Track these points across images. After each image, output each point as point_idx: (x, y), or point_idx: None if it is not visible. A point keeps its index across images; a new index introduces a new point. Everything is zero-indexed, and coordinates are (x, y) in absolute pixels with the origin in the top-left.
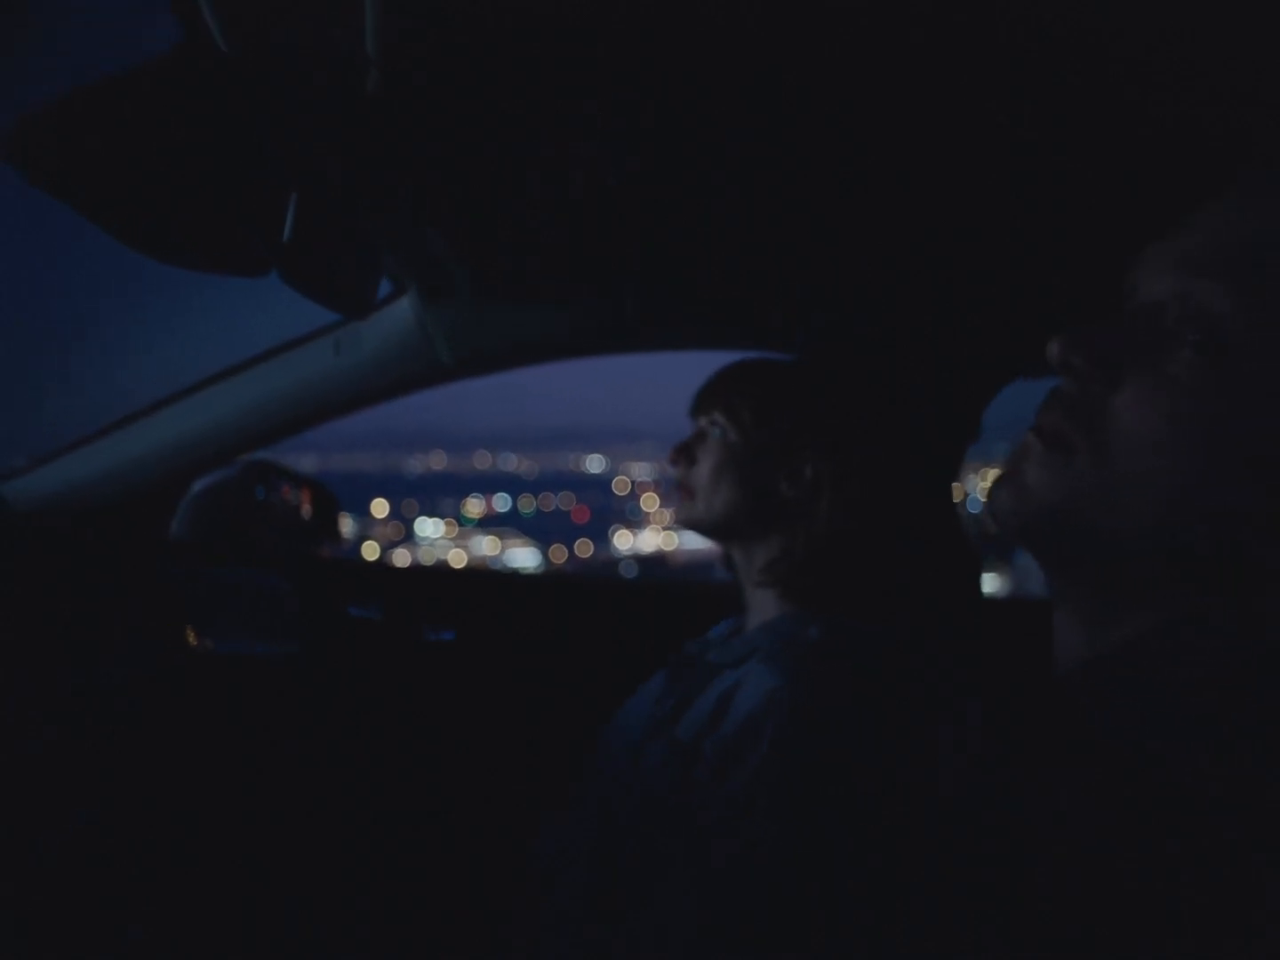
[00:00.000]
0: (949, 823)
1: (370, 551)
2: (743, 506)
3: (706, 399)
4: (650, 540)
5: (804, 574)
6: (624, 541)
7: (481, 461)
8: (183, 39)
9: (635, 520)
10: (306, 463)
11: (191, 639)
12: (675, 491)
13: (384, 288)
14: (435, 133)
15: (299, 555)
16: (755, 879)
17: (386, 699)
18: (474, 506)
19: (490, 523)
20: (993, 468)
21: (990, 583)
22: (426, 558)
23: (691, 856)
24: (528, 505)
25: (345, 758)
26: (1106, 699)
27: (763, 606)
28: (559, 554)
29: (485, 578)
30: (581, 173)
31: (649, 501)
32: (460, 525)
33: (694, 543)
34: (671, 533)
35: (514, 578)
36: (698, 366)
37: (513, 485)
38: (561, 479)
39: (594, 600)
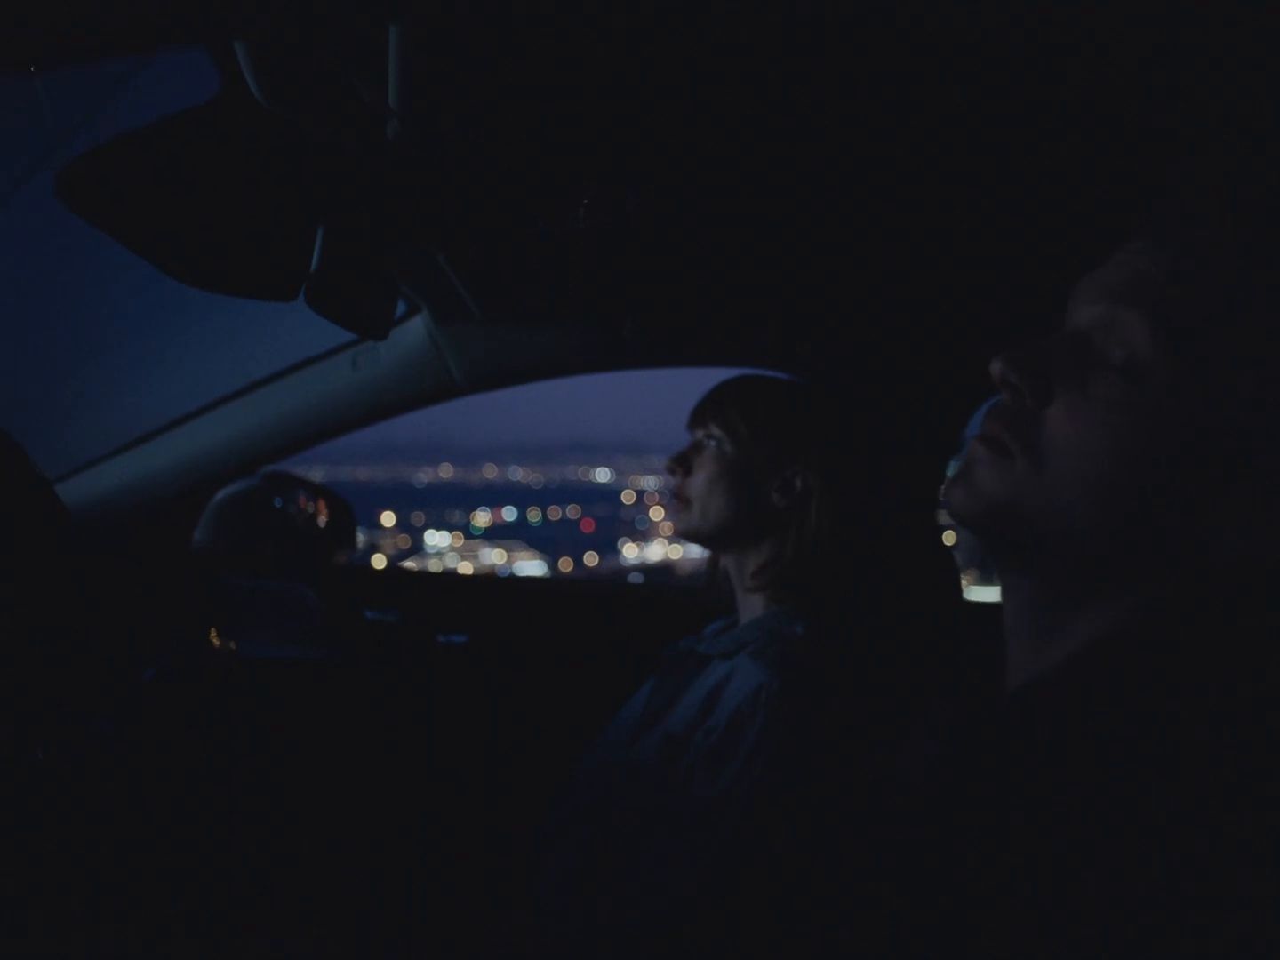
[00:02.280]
0: (917, 809)
1: (379, 562)
2: (736, 515)
3: (703, 413)
4: (657, 551)
5: (792, 577)
6: (631, 553)
7: (489, 473)
8: (223, 91)
9: (643, 531)
10: (315, 475)
11: (215, 641)
12: (672, 500)
13: (399, 308)
14: (448, 173)
15: (318, 561)
16: (741, 862)
17: (401, 697)
18: (481, 518)
19: (498, 533)
20: None
21: (989, 593)
22: (435, 568)
23: (682, 843)
24: (535, 516)
25: (361, 753)
26: (1052, 709)
27: (752, 608)
28: (566, 566)
29: (496, 584)
30: (585, 204)
31: (656, 513)
32: (468, 537)
33: (700, 552)
34: (678, 544)
35: (523, 583)
36: (703, 382)
37: (521, 496)
38: (569, 490)
39: (599, 604)
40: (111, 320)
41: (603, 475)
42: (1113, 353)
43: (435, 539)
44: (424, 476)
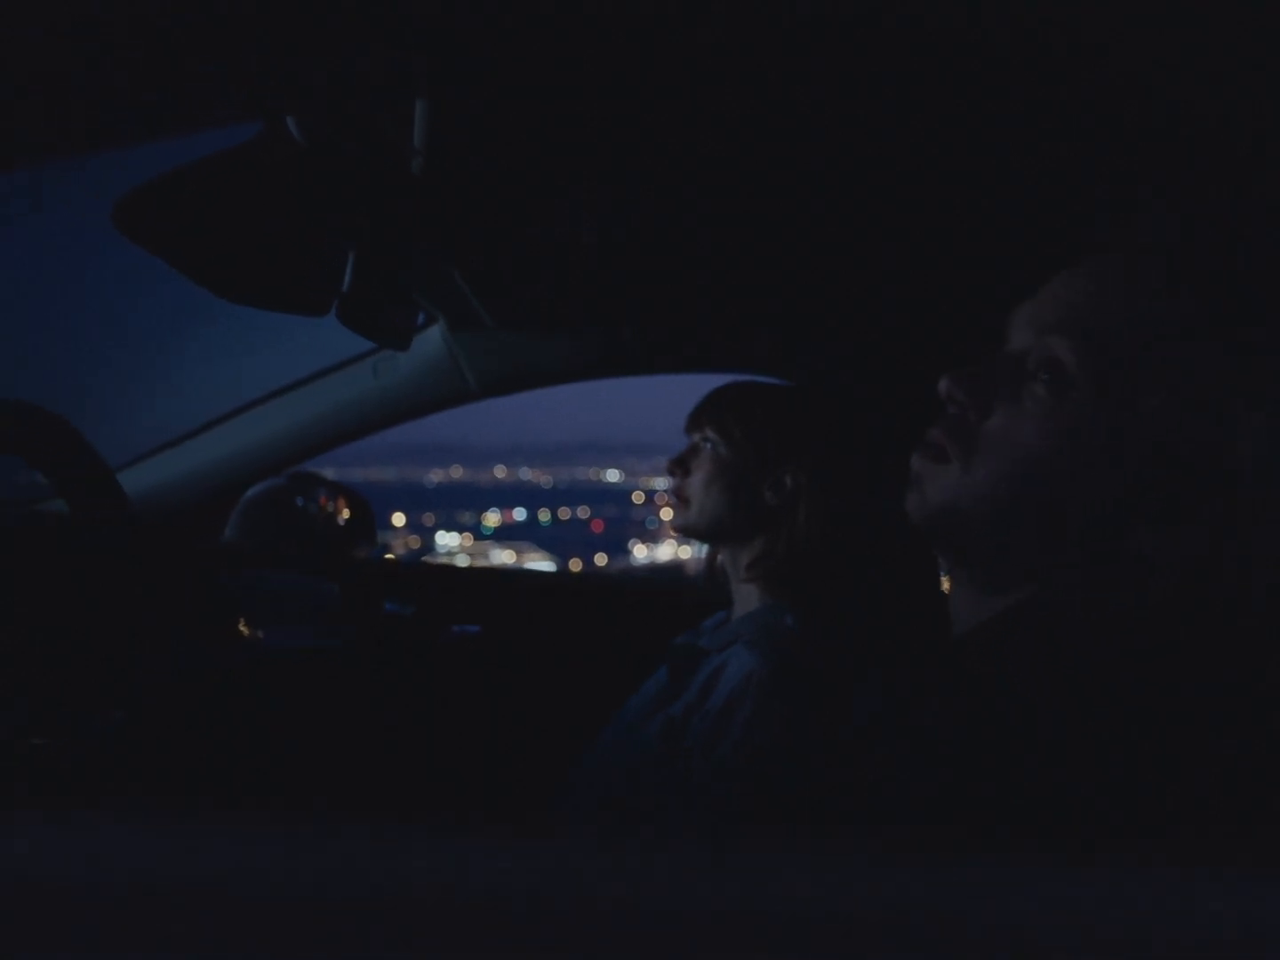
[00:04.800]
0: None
1: None
2: (731, 512)
3: (700, 416)
4: (667, 551)
5: (784, 571)
6: (641, 553)
7: (499, 474)
8: (265, 130)
9: (652, 531)
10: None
11: (244, 631)
12: (672, 500)
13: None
14: (464, 202)
15: (338, 556)
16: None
17: (417, 686)
18: (492, 518)
19: (508, 534)
20: None
21: None
22: None
23: (683, 809)
24: (545, 517)
25: (377, 738)
26: (992, 653)
27: (747, 600)
28: (576, 567)
29: (508, 577)
30: (588, 228)
31: (666, 513)
32: (479, 538)
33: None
34: (687, 544)
35: (534, 577)
36: (709, 385)
37: (531, 497)
38: (579, 491)
39: (606, 598)
40: (151, 336)
41: (612, 476)
42: (1042, 371)
43: (445, 540)
44: (434, 478)
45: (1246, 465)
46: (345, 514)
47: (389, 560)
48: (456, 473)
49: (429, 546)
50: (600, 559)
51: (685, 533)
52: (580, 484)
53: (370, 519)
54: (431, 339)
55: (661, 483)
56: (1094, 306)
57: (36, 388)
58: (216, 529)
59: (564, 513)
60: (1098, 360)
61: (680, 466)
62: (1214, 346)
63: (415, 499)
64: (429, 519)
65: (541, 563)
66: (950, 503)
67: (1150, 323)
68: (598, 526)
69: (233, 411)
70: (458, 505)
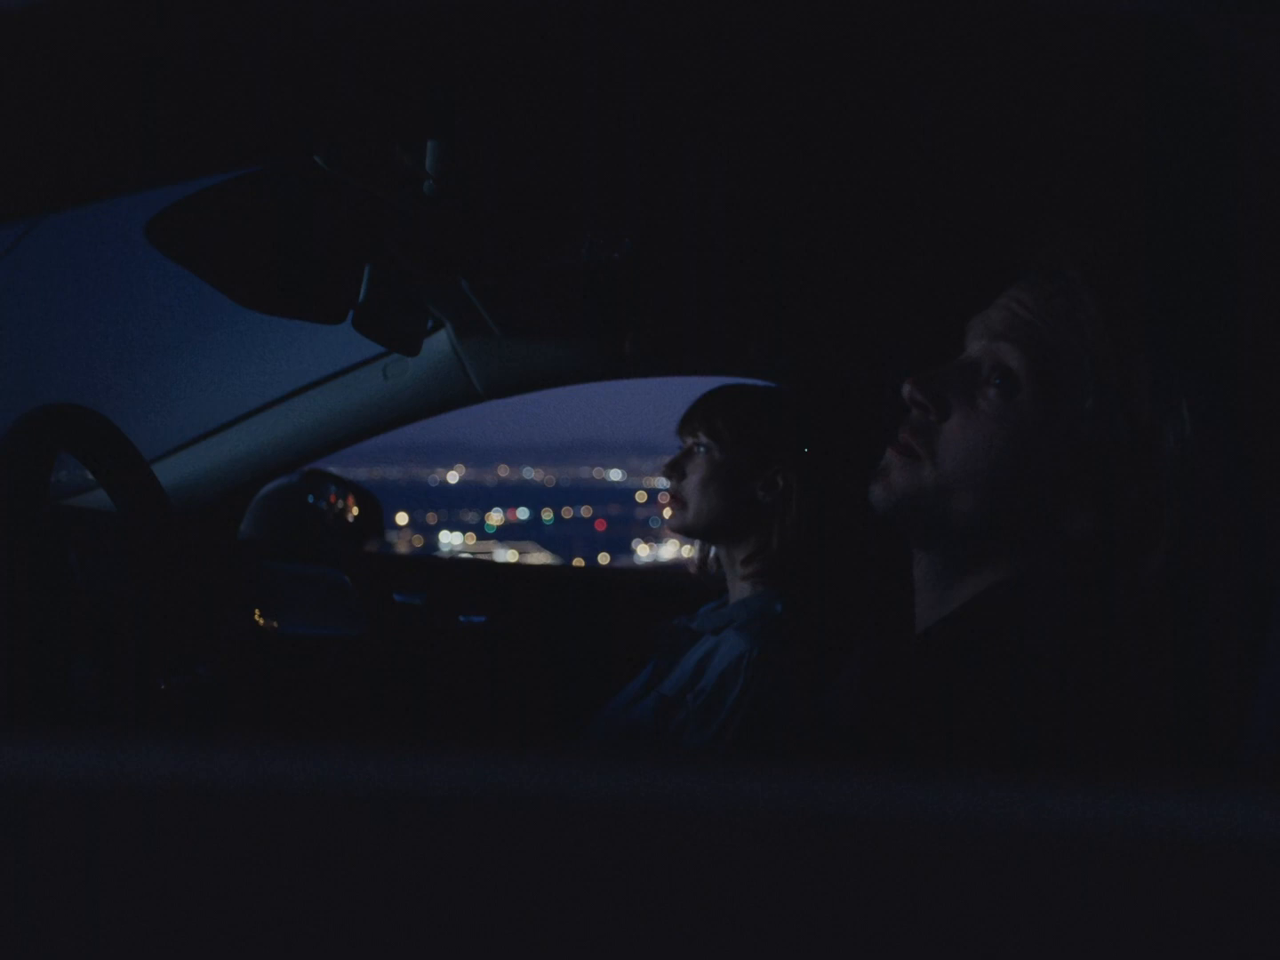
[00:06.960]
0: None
1: None
2: (725, 511)
3: (691, 420)
4: (669, 550)
5: (778, 565)
6: (645, 552)
7: (502, 473)
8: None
9: (655, 530)
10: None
11: (260, 621)
12: (669, 501)
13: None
14: (471, 216)
15: (350, 550)
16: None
17: (426, 674)
18: (495, 517)
19: (511, 533)
20: None
21: None
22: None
23: None
24: (548, 516)
25: (388, 725)
26: (958, 641)
27: (741, 591)
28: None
29: (513, 570)
30: (589, 240)
31: (669, 512)
32: (482, 537)
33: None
34: (690, 544)
35: (539, 570)
36: (710, 384)
37: (534, 496)
38: (582, 490)
39: (608, 589)
40: (168, 342)
41: (615, 475)
42: (994, 376)
43: (449, 538)
44: (437, 477)
45: (1197, 459)
46: (355, 511)
47: (399, 553)
48: (460, 472)
49: (433, 545)
50: (603, 558)
51: (683, 533)
52: (583, 483)
53: (379, 516)
54: (439, 343)
55: (664, 482)
56: (1037, 318)
57: (53, 390)
58: (232, 525)
59: (567, 512)
60: (1041, 364)
61: (675, 470)
62: (1147, 350)
63: (419, 498)
64: (432, 518)
65: (544, 561)
66: (911, 494)
67: (1087, 330)
68: (601, 526)
69: (249, 412)
70: (461, 504)
